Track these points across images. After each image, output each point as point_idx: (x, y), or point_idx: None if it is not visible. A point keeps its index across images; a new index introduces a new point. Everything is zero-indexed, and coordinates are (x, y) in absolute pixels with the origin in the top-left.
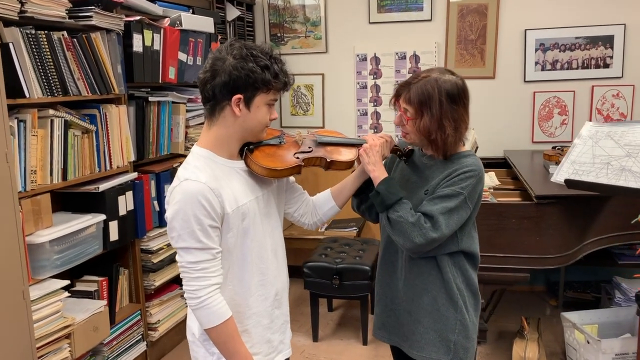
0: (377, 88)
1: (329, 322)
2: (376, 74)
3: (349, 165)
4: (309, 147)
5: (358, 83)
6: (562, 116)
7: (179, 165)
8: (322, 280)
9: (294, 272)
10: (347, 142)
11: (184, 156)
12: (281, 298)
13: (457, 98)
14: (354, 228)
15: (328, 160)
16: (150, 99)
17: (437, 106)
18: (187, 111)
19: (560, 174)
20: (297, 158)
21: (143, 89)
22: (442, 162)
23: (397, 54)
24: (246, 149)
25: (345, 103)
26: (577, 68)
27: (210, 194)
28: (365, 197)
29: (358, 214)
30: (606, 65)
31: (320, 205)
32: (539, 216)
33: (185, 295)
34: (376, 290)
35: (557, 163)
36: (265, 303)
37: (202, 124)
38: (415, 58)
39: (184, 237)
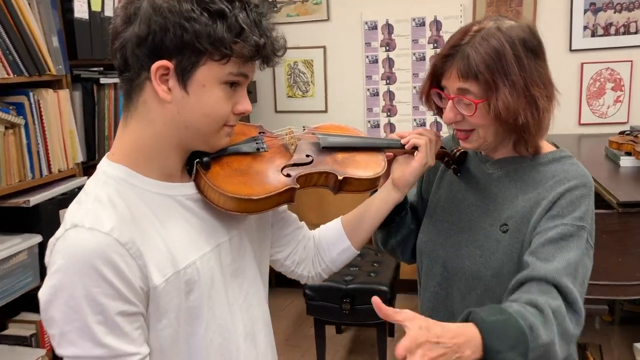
0: (390, 62)
1: (338, 349)
2: (389, 45)
3: (372, 183)
4: (307, 156)
5: (367, 57)
6: (617, 92)
7: None
8: (328, 304)
9: (295, 282)
10: (369, 144)
11: None
12: None
13: (538, 50)
14: None
15: (340, 177)
16: (103, 80)
17: (516, 67)
18: None
19: None
20: (288, 176)
21: (93, 69)
22: (520, 172)
23: (414, 20)
24: (197, 163)
25: (352, 81)
26: (635, 32)
27: (119, 253)
28: (396, 227)
29: (386, 252)
30: None
31: (328, 247)
32: (624, 230)
33: None
34: None
35: (631, 153)
36: None
37: None
38: (437, 25)
39: (72, 338)
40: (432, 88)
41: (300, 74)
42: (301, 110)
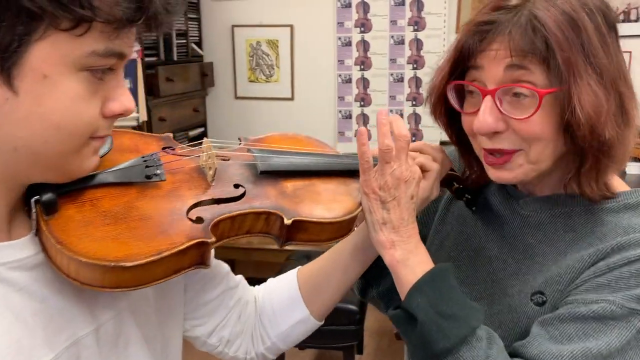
0: (365, 45)
1: None
2: (364, 25)
3: (341, 229)
4: (237, 187)
5: (340, 39)
6: None
7: None
8: None
9: (257, 283)
10: (336, 164)
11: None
12: None
13: (615, 27)
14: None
15: (287, 220)
16: None
17: (600, 48)
18: None
19: None
20: (198, 221)
21: None
22: (573, 218)
23: None
24: (35, 203)
25: (321, 66)
26: (637, 20)
27: None
28: (379, 274)
29: (366, 301)
30: None
31: (275, 315)
32: None
33: None
34: None
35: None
36: None
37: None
38: (418, 5)
39: None
40: (451, 81)
41: (264, 55)
42: (264, 97)
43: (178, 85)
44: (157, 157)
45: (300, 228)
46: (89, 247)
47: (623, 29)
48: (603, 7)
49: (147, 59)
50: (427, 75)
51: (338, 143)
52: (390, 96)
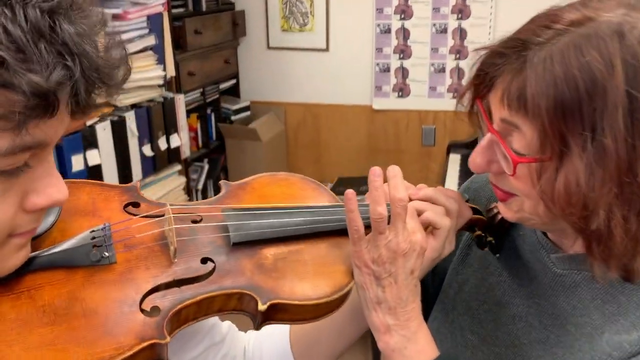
0: None
1: None
2: None
3: (329, 308)
4: (205, 261)
5: None
6: None
7: (95, 123)
8: None
9: None
10: (328, 223)
11: (108, 105)
12: None
13: None
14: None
15: (263, 304)
16: None
17: (621, 121)
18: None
19: None
20: (153, 313)
21: None
22: (616, 286)
23: None
24: None
25: (359, 14)
26: None
27: None
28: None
29: None
30: None
31: None
32: None
33: None
34: None
35: None
36: None
37: (137, 53)
38: None
39: None
40: (477, 98)
41: (298, 2)
42: (298, 47)
43: (207, 37)
44: (108, 234)
45: (279, 310)
46: (22, 357)
47: None
48: None
49: (174, 10)
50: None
51: (374, 98)
52: (432, 48)
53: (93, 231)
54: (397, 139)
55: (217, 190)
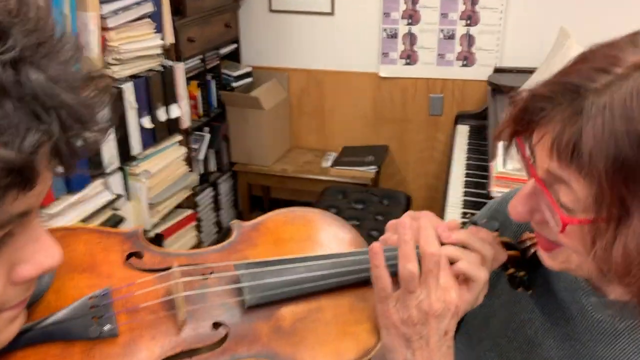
0: None
1: None
2: None
3: None
4: (216, 326)
5: None
6: None
7: None
8: None
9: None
10: (348, 275)
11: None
12: None
13: None
14: (373, 167)
15: None
16: None
17: None
18: (104, 2)
19: None
20: None
21: None
22: None
23: None
24: None
25: None
26: None
27: None
28: None
29: None
30: None
31: None
32: None
33: None
34: None
35: None
36: None
37: (133, 21)
38: None
39: None
40: (517, 136)
41: None
42: (301, 10)
43: (207, 1)
44: (108, 302)
45: None
46: None
47: None
48: None
49: None
50: None
51: (381, 65)
52: (441, 14)
53: (92, 297)
54: (404, 108)
55: (220, 200)
